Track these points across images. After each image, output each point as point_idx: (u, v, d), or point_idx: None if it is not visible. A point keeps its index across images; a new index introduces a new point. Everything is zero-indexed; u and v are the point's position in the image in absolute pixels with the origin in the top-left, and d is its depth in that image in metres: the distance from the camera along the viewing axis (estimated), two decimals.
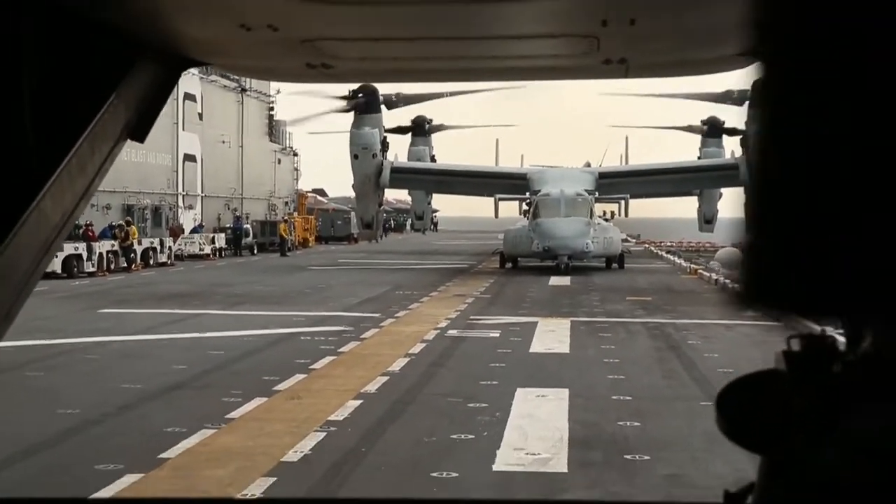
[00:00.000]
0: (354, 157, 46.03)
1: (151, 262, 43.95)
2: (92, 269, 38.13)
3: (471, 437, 11.84)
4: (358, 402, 13.80)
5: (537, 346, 19.78)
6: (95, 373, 16.21)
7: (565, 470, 10.45)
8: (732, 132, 54.74)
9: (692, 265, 45.97)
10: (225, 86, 67.07)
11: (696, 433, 12.07)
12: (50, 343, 19.23)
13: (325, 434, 11.85)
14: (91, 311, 25.86)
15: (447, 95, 50.73)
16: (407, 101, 49.64)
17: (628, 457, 10.94)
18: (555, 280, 37.94)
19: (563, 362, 17.77)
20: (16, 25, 2.95)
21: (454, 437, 11.82)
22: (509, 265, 45.54)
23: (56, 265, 36.39)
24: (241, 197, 69.56)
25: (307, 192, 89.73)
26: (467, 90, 51.35)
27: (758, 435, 1.47)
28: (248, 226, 59.86)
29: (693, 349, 19.55)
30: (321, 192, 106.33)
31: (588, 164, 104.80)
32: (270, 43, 3.37)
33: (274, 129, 78.24)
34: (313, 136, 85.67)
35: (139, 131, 3.43)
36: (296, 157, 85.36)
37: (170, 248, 46.99)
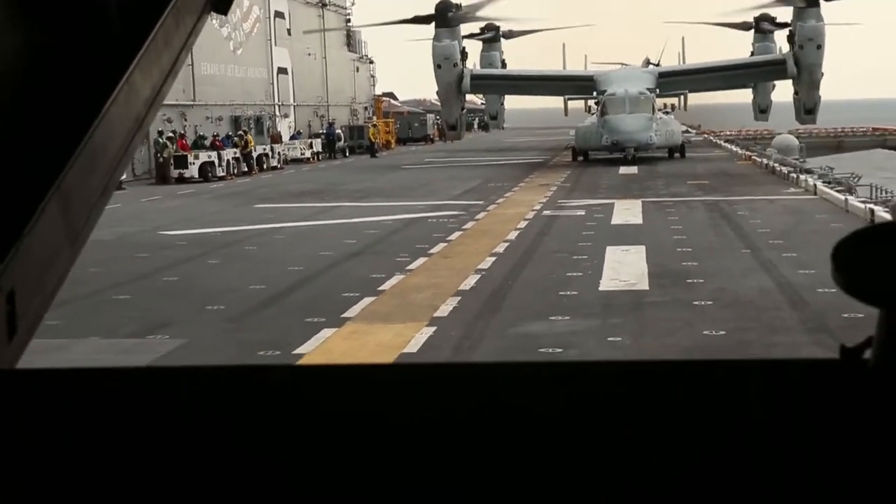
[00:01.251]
0: (437, 66, 50.94)
1: (265, 166, 49.44)
2: (222, 174, 43.74)
3: (579, 274, 17.11)
4: (493, 259, 19.06)
5: (617, 220, 24.95)
6: (291, 247, 21.65)
7: (647, 288, 15.70)
8: (782, 26, 58.64)
9: (747, 152, 50.55)
10: (307, 2, 71.91)
11: (736, 268, 17.26)
12: (240, 229, 24.74)
13: (479, 276, 17.15)
14: (246, 206, 31.29)
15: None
16: (477, 9, 54.13)
17: (689, 280, 16.16)
18: (623, 169, 42.87)
19: (638, 230, 22.93)
20: None
21: (568, 274, 17.10)
22: (581, 158, 50.39)
23: (194, 171, 42.08)
24: (327, 105, 74.75)
25: (381, 96, 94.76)
26: (528, 30, 56.08)
27: (876, 288, 1.48)
28: (339, 131, 65.15)
29: (740, 217, 24.58)
30: (392, 96, 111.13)
31: (647, 61, 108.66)
32: None
33: (351, 40, 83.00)
34: (383, 42, 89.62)
35: (222, 3, 3.40)
36: (371, 65, 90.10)
37: (279, 153, 52.46)
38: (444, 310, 14.33)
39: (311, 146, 58.76)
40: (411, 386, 2.02)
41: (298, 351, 12.00)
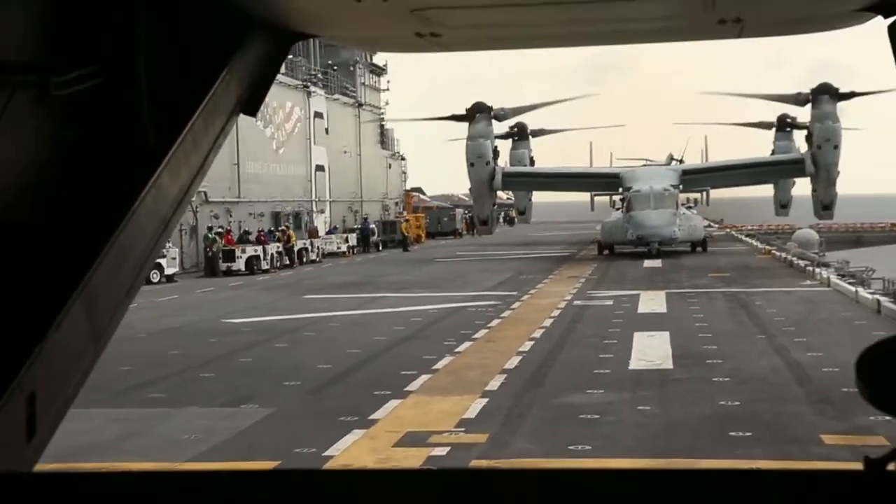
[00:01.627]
0: (471, 164, 53.41)
1: (304, 259, 51.77)
2: (266, 267, 46.09)
3: (611, 355, 19.11)
4: (531, 343, 21.07)
5: (643, 309, 26.97)
6: (346, 333, 23.73)
7: (671, 367, 17.68)
8: (801, 127, 60.91)
9: (766, 247, 52.58)
10: (345, 102, 74.98)
11: (752, 350, 19.23)
12: (296, 317, 26.88)
13: (521, 357, 19.15)
14: (296, 297, 33.46)
15: (545, 105, 58.07)
16: (515, 112, 56.83)
17: (708, 361, 18.13)
18: (648, 263, 44.93)
19: (662, 318, 24.93)
20: (132, 2, 2.95)
21: (601, 356, 19.09)
22: (606, 252, 52.51)
23: (241, 264, 44.43)
24: (361, 200, 77.40)
25: (410, 191, 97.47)
26: (565, 98, 58.77)
27: None
28: (373, 226, 67.63)
29: (757, 307, 26.53)
30: (420, 191, 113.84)
31: (671, 157, 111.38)
32: (379, 13, 3.31)
33: (384, 137, 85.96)
34: (412, 139, 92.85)
35: (251, 105, 3.41)
36: (403, 161, 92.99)
37: (318, 248, 54.86)
38: (493, 385, 16.33)
39: (346, 241, 61.16)
40: (431, 491, 2.03)
41: (373, 416, 14.02)
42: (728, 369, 17.25)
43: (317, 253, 54.23)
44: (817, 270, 35.35)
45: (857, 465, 1.57)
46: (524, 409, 14.50)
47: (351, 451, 12.19)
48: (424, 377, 17.11)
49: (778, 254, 46.95)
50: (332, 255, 57.74)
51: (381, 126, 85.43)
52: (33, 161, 2.86)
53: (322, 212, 68.34)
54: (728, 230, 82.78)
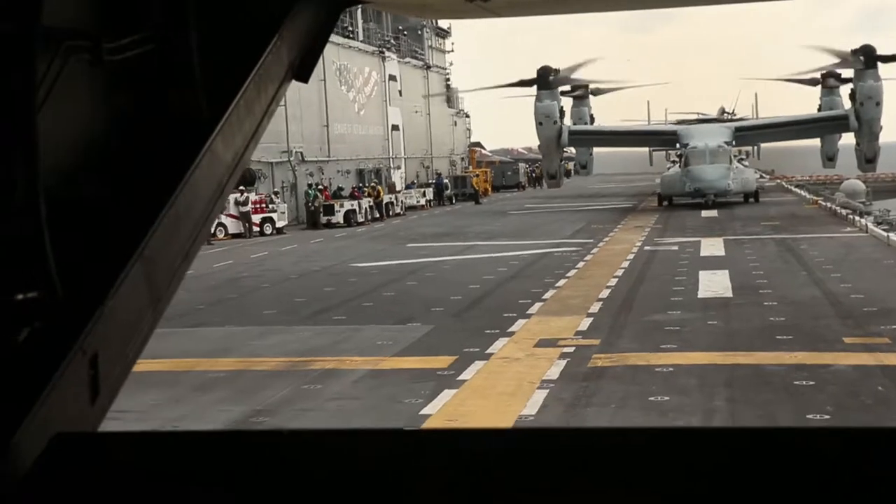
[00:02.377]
0: (539, 123, 57.91)
1: (390, 213, 56.70)
2: (361, 220, 51.10)
3: (682, 288, 23.81)
4: (615, 279, 25.77)
5: (705, 252, 31.60)
6: (460, 274, 28.54)
7: (731, 296, 22.36)
8: (846, 81, 64.58)
9: (813, 197, 56.79)
10: (414, 65, 79.58)
11: (795, 283, 23.85)
12: (411, 261, 31.79)
13: (609, 290, 23.88)
14: (401, 245, 38.36)
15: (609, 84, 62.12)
16: (571, 72, 61.10)
17: (761, 291, 22.78)
18: (705, 213, 49.40)
19: (722, 259, 29.54)
20: None
21: (674, 289, 23.80)
22: (666, 203, 56.93)
23: (339, 217, 49.45)
24: (431, 156, 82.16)
25: (471, 146, 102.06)
26: (638, 84, 62.58)
27: None
28: (446, 181, 72.44)
29: (802, 250, 31.04)
30: (479, 145, 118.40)
31: (723, 110, 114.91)
32: None
33: (450, 96, 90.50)
34: (470, 96, 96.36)
35: (303, 71, 3.52)
36: (467, 119, 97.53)
37: (402, 201, 59.79)
38: (594, 308, 21.13)
39: (424, 195, 66.03)
40: (421, 451, 2.10)
41: (510, 330, 18.85)
42: (776, 297, 21.92)
43: (400, 206, 59.12)
44: (857, 218, 39.69)
45: None
46: (621, 324, 19.31)
47: (505, 349, 17.05)
48: (538, 304, 21.93)
49: (824, 203, 51.16)
50: (411, 208, 62.59)
51: (447, 85, 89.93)
52: (88, 126, 2.87)
53: (398, 168, 73.21)
54: (779, 181, 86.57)
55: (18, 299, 2.53)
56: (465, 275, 27.88)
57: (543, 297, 22.91)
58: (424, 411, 13.01)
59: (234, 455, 2.20)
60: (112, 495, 2.12)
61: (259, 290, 26.43)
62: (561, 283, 25.48)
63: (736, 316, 19.78)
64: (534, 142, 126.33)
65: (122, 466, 2.22)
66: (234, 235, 44.66)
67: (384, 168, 68.61)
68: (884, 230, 34.26)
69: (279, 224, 46.29)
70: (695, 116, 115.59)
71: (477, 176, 75.31)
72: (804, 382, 13.86)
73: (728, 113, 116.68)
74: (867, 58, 54.88)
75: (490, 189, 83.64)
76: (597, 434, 2.32)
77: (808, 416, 12.10)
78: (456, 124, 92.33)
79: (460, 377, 14.95)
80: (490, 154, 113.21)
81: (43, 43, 2.60)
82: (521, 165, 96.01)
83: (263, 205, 46.63)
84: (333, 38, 58.97)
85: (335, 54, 60.53)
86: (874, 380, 14.02)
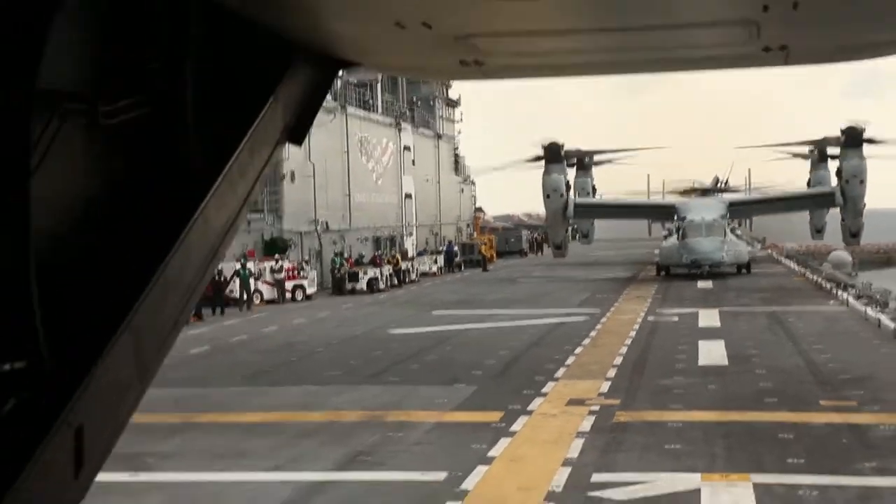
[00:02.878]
0: (546, 196, 61.88)
1: (406, 280, 60.44)
2: (382, 287, 54.82)
3: (684, 356, 27.50)
4: (625, 348, 29.46)
5: (702, 323, 35.34)
6: (488, 340, 32.21)
7: (727, 364, 26.06)
8: (833, 157, 68.61)
9: (801, 269, 60.66)
10: (427, 135, 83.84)
11: (782, 354, 27.59)
12: (441, 329, 35.46)
13: (621, 357, 27.56)
14: (426, 312, 42.04)
15: (613, 152, 66.55)
16: (585, 153, 65.33)
17: (752, 360, 26.49)
18: (701, 284, 53.22)
19: (718, 330, 33.27)
20: (181, 27, 2.99)
21: (677, 357, 27.50)
22: (663, 273, 60.77)
23: (363, 284, 53.15)
24: (440, 223, 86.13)
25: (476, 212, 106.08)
26: (636, 147, 66.72)
27: None
28: (456, 248, 76.31)
29: (789, 323, 34.79)
30: (481, 210, 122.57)
31: (717, 179, 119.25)
32: (424, 41, 3.36)
33: (458, 165, 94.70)
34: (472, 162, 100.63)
35: (297, 133, 3.62)
36: (473, 186, 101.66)
37: (417, 269, 63.59)
38: (610, 374, 24.82)
39: (436, 262, 69.87)
40: None
41: (543, 391, 22.49)
42: (766, 365, 25.63)
43: (416, 273, 62.94)
44: (840, 293, 43.51)
45: None
46: (635, 386, 23.00)
47: (542, 407, 20.70)
48: (562, 369, 25.63)
49: (811, 276, 55.01)
50: (424, 274, 66.35)
51: (456, 154, 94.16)
52: (82, 189, 2.88)
53: (410, 234, 77.11)
54: (769, 251, 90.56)
55: (5, 370, 2.52)
56: (493, 342, 31.57)
57: (566, 363, 26.59)
58: (490, 454, 16.68)
59: None
60: None
61: (315, 354, 30.07)
62: (578, 350, 29.17)
63: (731, 381, 23.48)
64: (533, 207, 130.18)
65: None
66: (269, 301, 48.27)
67: (398, 235, 72.50)
68: (863, 304, 38.04)
69: (309, 291, 50.01)
70: (690, 185, 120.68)
71: (484, 244, 79.16)
72: (786, 435, 17.55)
73: (722, 182, 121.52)
74: (852, 138, 59.05)
75: (495, 256, 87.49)
76: None
77: (788, 461, 15.78)
78: (462, 191, 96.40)
79: (511, 428, 18.61)
80: (492, 220, 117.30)
81: (40, 105, 2.62)
82: (524, 232, 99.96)
83: (295, 272, 50.34)
84: (356, 111, 63.19)
85: (357, 126, 64.63)
86: (842, 434, 17.72)
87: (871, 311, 35.47)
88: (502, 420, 19.38)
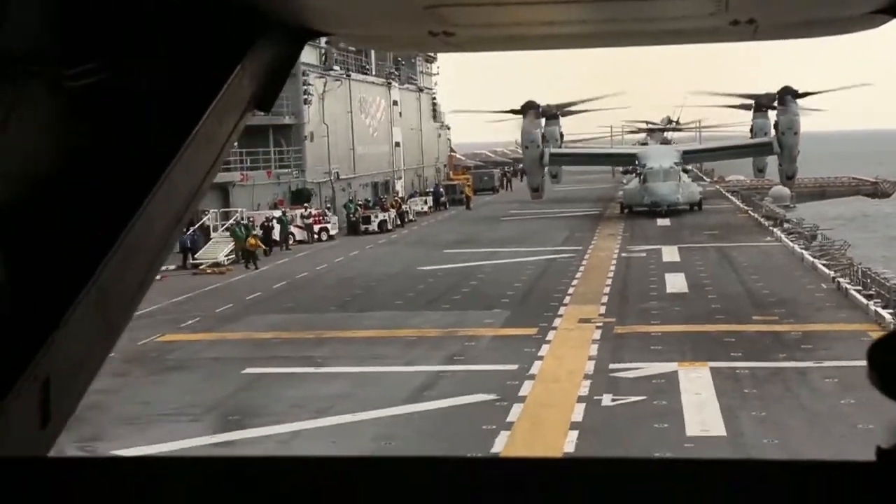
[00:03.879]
0: (525, 147, 70.36)
1: (405, 220, 68.84)
2: (390, 228, 63.19)
3: (655, 286, 36.25)
4: (610, 280, 38.17)
5: (666, 258, 44.07)
6: (502, 274, 40.63)
7: (687, 291, 34.87)
8: (773, 107, 77.23)
9: (744, 206, 69.74)
10: (410, 90, 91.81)
11: (728, 282, 36.46)
12: (459, 265, 43.94)
13: (608, 287, 36.30)
14: (437, 251, 50.47)
15: (580, 102, 74.99)
16: (557, 107, 73.63)
17: (706, 288, 35.34)
18: (660, 222, 62.01)
19: (679, 265, 41.99)
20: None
21: (650, 286, 36.25)
22: (626, 211, 69.55)
23: (374, 226, 61.48)
24: (423, 166, 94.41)
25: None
26: (597, 97, 75.83)
27: None
28: (441, 189, 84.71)
29: (733, 258, 43.63)
30: (453, 152, 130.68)
31: (668, 119, 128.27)
32: (393, 11, 3.29)
33: (436, 112, 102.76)
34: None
35: (265, 101, 3.39)
36: (448, 130, 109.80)
37: (413, 210, 72.00)
38: (604, 300, 33.55)
39: (426, 202, 78.29)
40: (396, 480, 2.04)
41: (560, 313, 31.14)
42: (716, 292, 34.45)
43: (412, 213, 71.36)
44: (775, 230, 52.54)
45: (869, 458, 1.63)
46: (624, 309, 31.73)
47: (563, 324, 29.35)
48: (567, 297, 34.28)
49: (753, 214, 64.06)
50: (417, 213, 74.63)
51: (434, 103, 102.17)
52: (45, 154, 2.85)
53: (399, 178, 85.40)
54: (718, 187, 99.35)
55: None
56: (506, 276, 40.08)
57: (568, 293, 35.28)
58: (540, 354, 25.36)
59: (196, 481, 2.14)
60: None
61: (373, 288, 38.40)
62: (574, 282, 37.85)
63: (691, 304, 32.31)
64: (498, 143, 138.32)
65: (72, 492, 2.14)
66: (299, 241, 56.51)
67: (391, 179, 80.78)
68: (792, 241, 47.06)
69: (332, 232, 58.36)
70: (644, 125, 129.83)
71: (467, 186, 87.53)
72: (730, 339, 26.36)
73: (673, 121, 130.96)
74: (786, 94, 67.92)
75: (472, 194, 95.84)
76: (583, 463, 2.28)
77: (731, 354, 24.60)
78: (440, 136, 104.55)
79: (546, 338, 27.31)
80: (463, 158, 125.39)
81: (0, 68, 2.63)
82: (496, 172, 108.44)
83: (320, 217, 58.61)
84: (355, 75, 71.13)
85: (357, 89, 72.63)
86: (766, 337, 26.58)
87: (797, 248, 44.47)
88: (538, 333, 28.06)
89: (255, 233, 49.60)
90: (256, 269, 46.05)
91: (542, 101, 75.72)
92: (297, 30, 3.46)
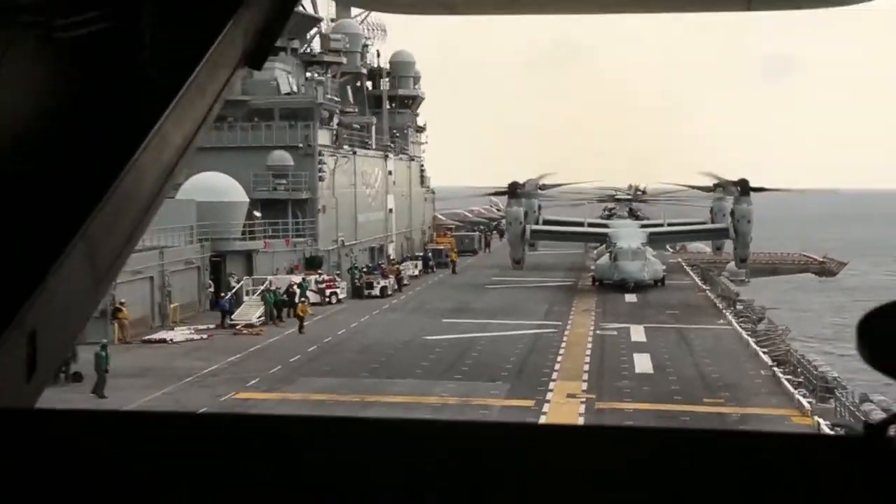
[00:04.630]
0: (509, 224, 78.21)
1: (402, 284, 76.23)
2: (390, 293, 70.57)
3: (626, 365, 43.85)
4: (588, 356, 45.73)
5: (634, 338, 51.69)
6: (498, 346, 48.01)
7: (652, 372, 42.50)
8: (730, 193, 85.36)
9: (702, 285, 77.76)
10: (402, 159, 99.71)
11: (685, 365, 44.16)
12: (458, 336, 51.36)
13: (587, 364, 43.85)
14: (437, 320, 57.83)
15: (561, 185, 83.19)
16: (540, 187, 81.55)
17: (667, 370, 42.98)
18: (628, 298, 69.73)
19: (645, 345, 49.57)
20: None
21: (621, 365, 43.84)
22: (597, 284, 77.36)
23: (377, 291, 68.87)
24: (411, 230, 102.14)
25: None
26: (567, 184, 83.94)
27: None
28: (430, 254, 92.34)
29: (690, 340, 51.27)
30: (437, 217, 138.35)
31: (635, 188, 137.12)
32: None
33: (423, 178, 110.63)
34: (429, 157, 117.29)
35: (256, 58, 3.33)
36: (433, 195, 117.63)
37: (407, 275, 79.49)
38: (585, 376, 41.08)
39: (416, 266, 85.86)
40: (390, 439, 2.02)
41: (550, 387, 38.65)
42: (675, 374, 42.06)
43: (405, 278, 78.81)
44: (727, 313, 60.42)
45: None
46: (601, 386, 39.26)
47: (554, 398, 36.84)
48: (555, 373, 41.76)
49: (710, 294, 72.06)
50: (410, 277, 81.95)
51: (422, 170, 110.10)
52: (35, 104, 2.85)
53: (391, 242, 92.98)
54: (679, 258, 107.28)
55: None
56: (502, 349, 47.50)
57: (555, 369, 42.78)
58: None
59: (185, 436, 2.10)
60: (49, 473, 2.00)
61: (391, 356, 45.62)
62: (559, 358, 45.38)
63: (656, 384, 39.90)
64: (477, 183, 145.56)
65: (59, 444, 2.08)
66: (314, 303, 63.70)
67: (384, 244, 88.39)
68: (741, 325, 54.89)
69: (341, 296, 65.79)
70: (613, 193, 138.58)
71: (452, 251, 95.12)
72: (686, 418, 33.95)
73: (639, 190, 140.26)
74: (742, 188, 76.30)
75: (456, 256, 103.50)
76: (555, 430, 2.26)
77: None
78: (426, 200, 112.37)
79: (543, 410, 34.79)
80: (444, 219, 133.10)
81: None
82: (475, 235, 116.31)
83: (332, 283, 66.02)
84: (360, 151, 78.92)
85: (360, 163, 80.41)
86: (712, 418, 34.17)
87: (744, 334, 52.28)
88: (535, 406, 35.55)
89: (303, 300, 56.84)
90: (302, 332, 52.47)
91: (526, 175, 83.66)
92: None
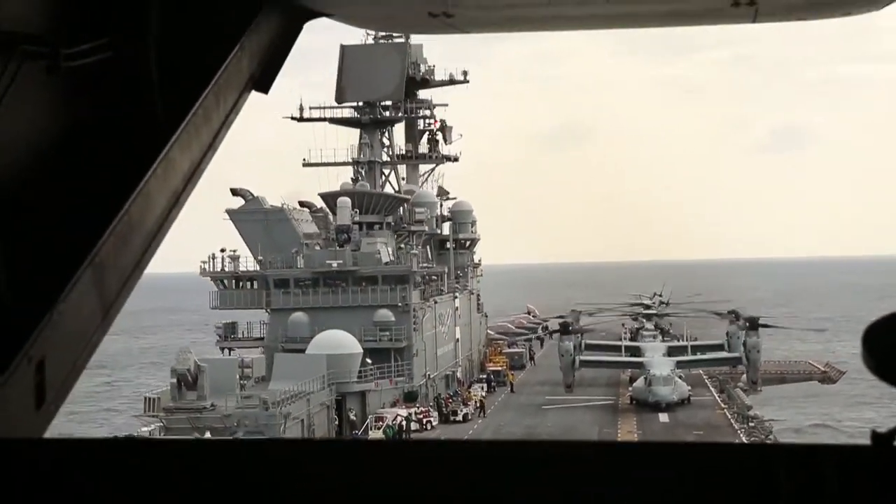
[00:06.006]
0: (561, 356, 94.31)
1: (483, 410, 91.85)
2: (469, 419, 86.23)
3: None
4: None
5: None
6: None
7: None
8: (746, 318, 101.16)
9: (722, 405, 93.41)
10: (464, 294, 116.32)
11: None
12: None
13: None
14: None
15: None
16: (583, 329, 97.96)
17: None
18: (662, 417, 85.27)
19: None
20: None
21: None
22: (635, 402, 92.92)
23: (460, 416, 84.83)
24: (471, 352, 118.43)
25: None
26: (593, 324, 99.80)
27: None
28: (491, 375, 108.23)
29: None
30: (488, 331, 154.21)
31: (655, 293, 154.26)
32: None
33: (479, 304, 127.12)
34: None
35: (263, 82, 3.38)
36: (486, 318, 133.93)
37: (479, 396, 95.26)
38: None
39: (482, 389, 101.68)
40: (411, 463, 2.08)
41: None
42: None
43: (478, 400, 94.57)
44: (741, 433, 75.96)
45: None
46: None
47: None
48: None
49: (727, 413, 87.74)
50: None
51: (478, 298, 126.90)
52: (43, 132, 2.88)
53: (459, 366, 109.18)
54: (700, 370, 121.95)
55: None
56: None
57: None
58: None
59: (189, 464, 2.09)
60: (56, 502, 1.98)
61: None
62: None
63: None
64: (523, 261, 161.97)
65: (67, 473, 2.07)
66: (414, 431, 79.55)
67: (455, 370, 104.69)
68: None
69: (434, 423, 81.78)
70: (638, 300, 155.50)
71: (510, 373, 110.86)
72: None
73: (659, 296, 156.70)
74: (752, 323, 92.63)
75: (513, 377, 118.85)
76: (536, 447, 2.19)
77: None
78: (481, 323, 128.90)
79: None
80: (493, 333, 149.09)
81: None
82: (524, 352, 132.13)
83: (427, 413, 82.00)
84: (437, 299, 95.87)
85: (438, 308, 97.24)
86: None
87: None
88: None
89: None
90: None
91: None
92: (297, 10, 3.53)
